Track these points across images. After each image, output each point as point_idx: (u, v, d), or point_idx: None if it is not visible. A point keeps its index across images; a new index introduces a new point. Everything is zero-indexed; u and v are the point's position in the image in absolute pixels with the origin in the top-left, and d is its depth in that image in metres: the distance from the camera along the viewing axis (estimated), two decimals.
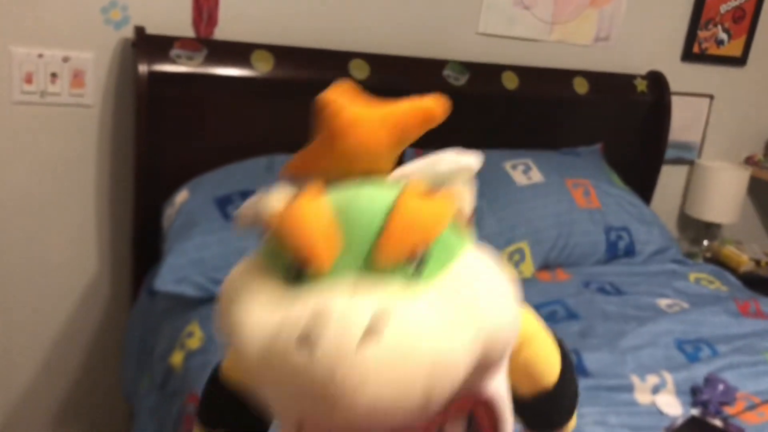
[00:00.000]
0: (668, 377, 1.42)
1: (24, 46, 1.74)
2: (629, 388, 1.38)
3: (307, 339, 0.57)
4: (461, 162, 0.74)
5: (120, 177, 1.92)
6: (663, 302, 1.79)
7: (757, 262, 2.63)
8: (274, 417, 0.76)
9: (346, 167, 0.70)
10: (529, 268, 1.88)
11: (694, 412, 1.34)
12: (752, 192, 2.81)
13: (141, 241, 1.85)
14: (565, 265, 1.95)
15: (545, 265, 1.93)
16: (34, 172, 1.84)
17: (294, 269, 0.64)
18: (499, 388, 0.72)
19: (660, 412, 1.33)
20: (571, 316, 1.67)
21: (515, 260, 1.87)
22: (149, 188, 1.82)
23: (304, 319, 0.59)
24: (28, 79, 1.77)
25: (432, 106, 0.70)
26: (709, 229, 2.70)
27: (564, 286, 1.83)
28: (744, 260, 2.59)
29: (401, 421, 0.59)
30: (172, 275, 1.46)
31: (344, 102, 0.70)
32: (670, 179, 2.65)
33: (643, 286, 1.87)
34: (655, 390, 1.39)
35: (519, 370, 0.77)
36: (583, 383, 1.34)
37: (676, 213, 2.76)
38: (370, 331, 0.56)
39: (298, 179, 0.73)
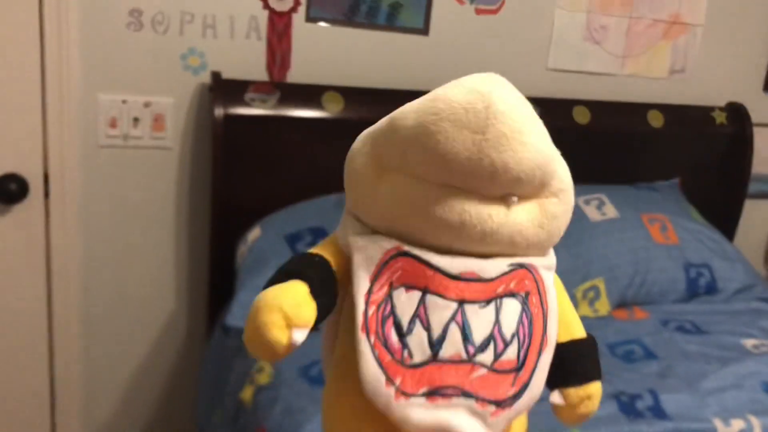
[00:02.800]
0: (755, 422, 1.35)
1: (109, 93, 1.84)
2: None
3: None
4: None
5: (197, 216, 1.98)
6: (749, 342, 1.70)
7: None
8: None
9: None
10: (604, 305, 1.83)
11: None
12: None
13: (216, 279, 1.90)
14: (642, 303, 1.89)
15: (622, 303, 1.87)
16: (117, 212, 1.92)
17: None
18: (549, 287, 0.77)
19: None
20: (649, 355, 1.61)
21: (590, 297, 1.82)
22: (225, 226, 1.88)
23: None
24: (113, 124, 1.87)
25: None
26: None
27: (641, 324, 1.77)
28: None
29: (527, 149, 0.69)
30: (243, 311, 1.49)
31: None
32: (754, 214, 2.54)
33: (727, 325, 1.79)
34: None
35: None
36: (661, 426, 1.29)
37: (762, 250, 2.64)
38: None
39: None
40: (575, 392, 0.79)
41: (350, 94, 1.93)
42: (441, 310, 0.71)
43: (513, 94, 0.71)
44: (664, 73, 2.31)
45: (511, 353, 0.72)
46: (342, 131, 1.92)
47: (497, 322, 0.72)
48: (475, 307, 0.72)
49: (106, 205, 1.91)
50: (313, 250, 0.79)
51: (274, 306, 0.70)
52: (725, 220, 2.37)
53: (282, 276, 0.75)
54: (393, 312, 0.72)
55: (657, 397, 1.39)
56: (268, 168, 1.91)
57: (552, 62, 2.18)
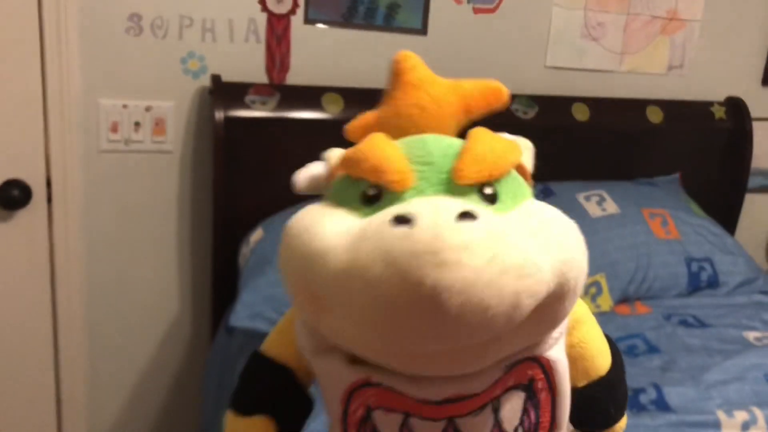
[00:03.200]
0: (759, 413, 1.35)
1: (110, 98, 1.85)
2: (715, 425, 1.32)
3: (403, 219, 0.56)
4: (517, 138, 0.77)
5: (199, 219, 1.99)
6: (751, 335, 1.71)
7: None
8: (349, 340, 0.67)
9: (413, 123, 0.71)
10: (606, 301, 1.84)
11: None
12: None
13: (220, 281, 1.91)
14: (644, 298, 1.89)
15: (624, 299, 1.88)
16: (119, 216, 1.93)
17: (372, 193, 0.63)
18: (560, 353, 0.70)
19: None
20: (652, 350, 1.61)
21: (592, 294, 1.82)
22: (227, 229, 1.88)
23: (394, 211, 0.58)
24: (114, 129, 1.88)
25: (498, 87, 0.73)
26: None
27: (644, 319, 1.77)
28: None
29: (497, 303, 0.55)
30: (247, 311, 1.50)
31: (420, 61, 0.75)
32: (754, 208, 2.54)
33: (729, 318, 1.79)
34: (745, 427, 1.32)
35: (573, 351, 0.75)
36: (664, 419, 1.30)
37: (764, 243, 2.64)
38: (466, 214, 0.56)
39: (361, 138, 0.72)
40: None
41: (350, 95, 1.94)
42: (428, 430, 0.66)
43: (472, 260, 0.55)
44: (663, 68, 2.32)
45: None
46: (342, 132, 1.95)
47: (497, 422, 0.67)
48: (468, 418, 0.66)
49: (109, 210, 1.92)
50: (270, 348, 0.76)
51: None
52: (726, 215, 2.37)
53: (246, 404, 0.75)
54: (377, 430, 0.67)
55: (660, 390, 1.39)
56: (269, 170, 1.92)
57: (550, 60, 2.18)
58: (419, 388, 0.64)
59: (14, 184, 1.80)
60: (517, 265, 0.56)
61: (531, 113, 2.08)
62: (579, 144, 2.15)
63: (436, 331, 0.55)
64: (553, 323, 0.66)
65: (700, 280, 1.94)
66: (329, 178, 0.74)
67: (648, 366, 1.53)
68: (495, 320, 0.56)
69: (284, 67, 1.97)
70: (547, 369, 0.69)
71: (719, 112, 2.32)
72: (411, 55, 0.75)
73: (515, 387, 0.67)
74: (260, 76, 1.94)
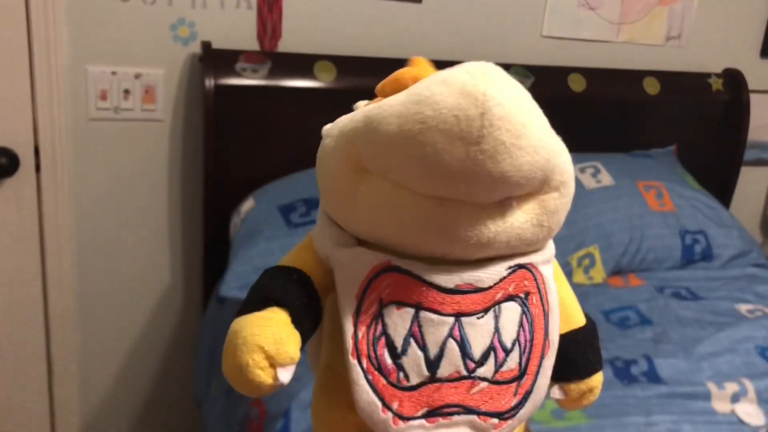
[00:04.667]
0: (749, 385, 1.35)
1: (99, 65, 1.82)
2: (706, 396, 1.32)
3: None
4: None
5: (190, 188, 1.97)
6: (744, 307, 1.71)
7: None
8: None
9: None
10: (599, 273, 1.83)
11: None
12: None
13: (211, 251, 1.89)
14: (637, 270, 1.89)
15: (617, 271, 1.87)
16: (109, 185, 1.91)
17: None
18: (549, 283, 0.74)
19: (740, 422, 1.27)
20: (644, 322, 1.61)
21: (585, 265, 1.82)
22: (218, 198, 1.86)
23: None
24: (103, 96, 1.85)
25: None
26: None
27: (636, 291, 1.77)
28: None
29: (525, 153, 0.61)
30: (237, 282, 1.49)
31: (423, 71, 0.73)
32: (750, 181, 2.53)
33: (722, 291, 1.79)
34: (735, 398, 1.32)
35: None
36: (655, 390, 1.30)
37: (759, 216, 2.64)
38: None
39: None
40: (576, 387, 0.76)
41: (342, 63, 1.91)
42: (437, 327, 0.67)
43: (510, 91, 0.62)
44: (661, 39, 2.29)
45: (512, 362, 0.69)
46: (334, 100, 1.92)
47: (496, 330, 0.68)
48: (473, 318, 0.68)
49: (98, 178, 1.90)
50: (289, 260, 0.73)
51: (254, 345, 0.64)
52: (721, 187, 2.36)
53: (260, 300, 0.69)
54: (385, 332, 0.67)
55: (652, 362, 1.39)
56: (260, 139, 1.89)
57: (547, 29, 2.15)
58: (433, 272, 0.67)
59: (1, 152, 1.77)
60: (533, 129, 0.62)
61: (527, 83, 2.05)
62: (575, 115, 2.13)
63: (477, 150, 0.60)
64: (551, 218, 0.69)
65: (694, 253, 1.93)
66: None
67: (640, 338, 1.52)
68: (525, 160, 0.62)
69: (276, 34, 1.93)
70: (540, 283, 0.71)
71: (717, 84, 2.29)
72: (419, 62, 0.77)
73: (513, 298, 0.70)
74: (251, 43, 1.91)
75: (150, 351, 2.08)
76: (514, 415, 0.69)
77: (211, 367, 1.75)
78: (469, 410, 0.67)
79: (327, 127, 0.74)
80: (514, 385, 0.69)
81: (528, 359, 0.70)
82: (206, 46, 1.82)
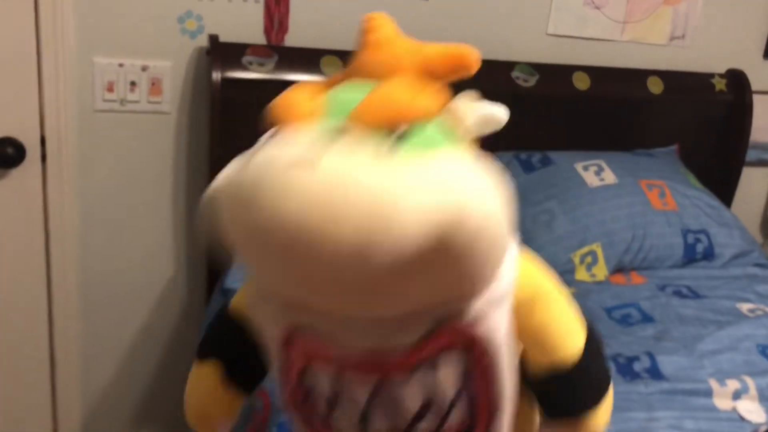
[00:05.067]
0: (750, 382, 1.37)
1: (106, 57, 1.83)
2: (707, 393, 1.33)
3: (249, 160, 0.58)
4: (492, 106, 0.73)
5: (194, 180, 1.98)
6: (745, 306, 1.72)
7: None
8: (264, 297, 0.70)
9: (370, 81, 0.69)
10: (602, 270, 1.84)
11: None
12: None
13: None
14: (639, 268, 1.90)
15: (619, 268, 1.88)
16: (114, 177, 1.92)
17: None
18: (493, 332, 0.64)
19: (741, 419, 1.28)
20: (646, 319, 1.62)
21: (588, 263, 1.83)
22: None
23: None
24: (110, 88, 1.85)
25: (464, 52, 0.69)
26: None
27: (638, 289, 1.78)
28: None
29: (336, 251, 0.52)
30: (242, 274, 1.49)
31: (385, 23, 0.74)
32: (751, 182, 2.54)
33: (723, 290, 1.80)
34: (736, 396, 1.33)
35: (531, 334, 0.69)
36: (657, 387, 1.31)
37: (759, 217, 2.65)
38: (307, 160, 0.54)
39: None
40: (563, 425, 0.73)
41: (348, 58, 1.91)
42: (361, 387, 0.64)
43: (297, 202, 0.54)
44: (665, 39, 2.30)
45: (457, 416, 0.65)
46: None
47: (432, 386, 0.64)
48: (401, 377, 0.64)
49: (104, 169, 1.91)
50: (236, 300, 0.78)
51: (190, 403, 0.78)
52: (722, 188, 2.37)
53: (203, 351, 0.79)
54: (314, 388, 0.67)
55: (654, 358, 1.40)
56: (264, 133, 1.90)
57: (552, 28, 2.16)
58: (345, 335, 0.63)
59: (8, 142, 1.78)
60: (359, 215, 0.52)
61: (532, 81, 2.06)
62: (579, 113, 2.14)
63: (281, 267, 0.56)
64: (460, 285, 0.59)
65: (696, 252, 1.94)
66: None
67: (642, 335, 1.53)
68: (335, 265, 0.54)
69: (283, 28, 1.94)
70: (475, 347, 0.64)
71: (720, 84, 2.30)
72: (380, 15, 0.75)
73: (452, 350, 0.63)
74: (258, 37, 1.92)
75: (153, 342, 2.09)
76: None
77: None
78: None
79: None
80: None
81: (476, 412, 0.65)
82: (214, 39, 1.82)
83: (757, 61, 2.42)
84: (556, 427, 0.74)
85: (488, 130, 0.74)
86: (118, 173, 1.92)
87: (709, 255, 1.95)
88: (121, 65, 1.84)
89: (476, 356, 0.64)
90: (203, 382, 0.76)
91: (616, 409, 1.22)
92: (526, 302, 0.68)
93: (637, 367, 1.38)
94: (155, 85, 1.88)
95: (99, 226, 1.94)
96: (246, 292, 0.76)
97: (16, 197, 1.84)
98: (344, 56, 1.91)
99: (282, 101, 0.66)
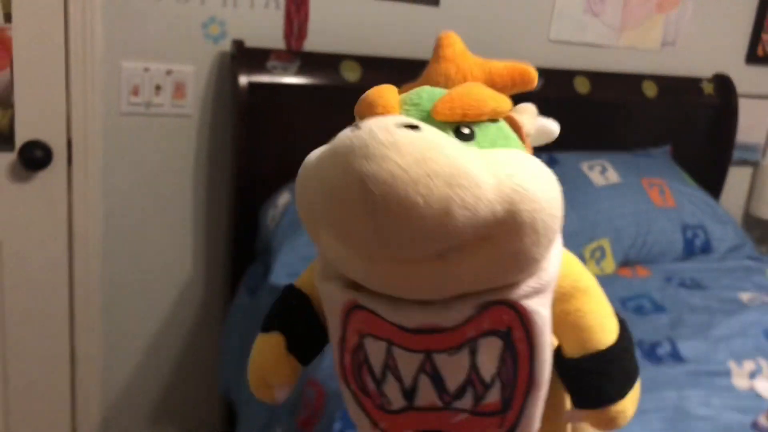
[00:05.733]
0: (764, 363, 1.48)
1: (132, 61, 1.87)
2: (727, 374, 1.44)
3: (357, 126, 0.60)
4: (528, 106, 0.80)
5: (215, 182, 2.03)
6: (744, 296, 1.84)
7: None
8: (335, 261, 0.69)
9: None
10: (610, 264, 1.95)
11: None
12: None
13: (240, 242, 1.95)
14: (644, 262, 2.01)
15: (625, 262, 1.99)
16: (138, 178, 1.96)
17: (359, 125, 0.66)
18: (535, 316, 0.67)
19: (758, 396, 1.39)
20: (658, 309, 1.72)
21: (596, 257, 1.93)
22: (246, 192, 1.92)
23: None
24: (135, 92, 1.89)
25: (528, 69, 0.76)
26: None
27: (647, 281, 1.89)
28: None
29: (426, 211, 0.56)
30: (285, 270, 1.56)
31: (457, 40, 0.78)
32: (734, 180, 2.69)
33: (723, 281, 1.92)
34: (753, 375, 1.44)
35: (567, 318, 0.71)
36: (682, 368, 1.41)
37: (741, 213, 2.80)
38: (410, 126, 0.58)
39: None
40: (591, 414, 0.74)
41: (367, 63, 1.99)
42: (408, 361, 0.68)
43: (401, 157, 0.57)
44: (657, 45, 2.42)
45: (493, 396, 0.68)
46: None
47: (473, 366, 0.67)
48: (445, 355, 0.67)
49: (127, 171, 1.94)
50: (301, 279, 0.81)
51: (252, 369, 0.79)
52: (710, 186, 2.50)
53: (265, 325, 0.81)
54: (367, 360, 0.71)
55: (674, 344, 1.51)
56: (287, 135, 1.96)
57: (554, 34, 2.27)
58: (395, 313, 0.66)
59: (36, 145, 1.80)
60: (447, 173, 0.56)
61: (537, 85, 2.15)
62: (581, 116, 2.25)
63: (373, 224, 0.57)
64: (515, 261, 0.63)
65: (695, 246, 2.07)
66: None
67: (657, 323, 1.64)
68: (424, 223, 0.57)
69: (302, 34, 2.00)
70: (524, 319, 0.66)
71: (708, 88, 2.44)
72: (452, 34, 0.79)
73: (492, 333, 0.66)
74: (278, 42, 1.97)
75: (172, 340, 2.13)
76: None
77: (242, 356, 1.81)
78: None
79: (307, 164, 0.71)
80: (497, 417, 0.69)
81: (512, 394, 0.68)
82: (239, 44, 1.88)
83: (740, 66, 2.57)
84: (586, 416, 0.75)
85: (542, 141, 0.81)
86: (141, 175, 1.96)
87: (706, 249, 2.08)
88: (146, 69, 1.88)
89: (517, 340, 0.67)
90: (266, 353, 0.78)
91: (649, 389, 1.32)
92: (566, 292, 0.71)
93: (660, 352, 1.49)
94: (179, 89, 1.93)
95: (122, 225, 1.98)
96: (311, 272, 0.80)
97: (42, 198, 1.86)
98: (363, 61, 1.99)
99: (367, 97, 0.69)
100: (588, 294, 0.73)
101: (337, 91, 1.96)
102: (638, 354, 1.44)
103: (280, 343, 0.77)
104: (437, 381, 0.67)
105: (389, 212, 0.56)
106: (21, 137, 1.81)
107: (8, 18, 1.73)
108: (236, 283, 1.97)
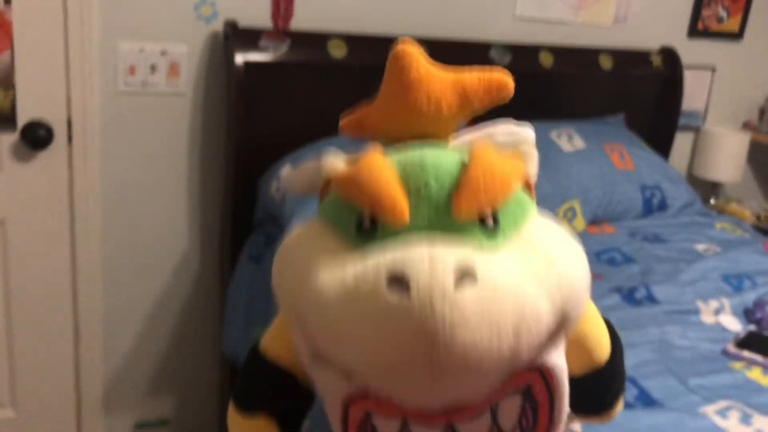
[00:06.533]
0: (725, 301, 1.69)
1: (128, 42, 1.93)
2: (696, 312, 1.65)
3: (399, 280, 0.55)
4: (519, 133, 0.76)
5: (209, 158, 2.11)
6: (700, 247, 2.06)
7: (758, 217, 2.93)
8: (341, 378, 0.66)
9: (408, 126, 0.69)
10: (580, 223, 2.14)
11: (751, 328, 1.60)
12: (750, 154, 3.10)
13: (238, 213, 2.05)
14: (609, 220, 2.21)
15: (593, 221, 2.18)
16: (135, 155, 2.03)
17: (366, 223, 0.62)
18: (558, 359, 0.69)
19: (724, 329, 1.60)
20: (629, 260, 1.92)
21: (568, 217, 2.12)
22: (243, 166, 2.02)
23: (390, 264, 0.56)
24: (132, 72, 1.96)
25: (503, 79, 0.71)
26: (714, 189, 2.99)
27: (614, 237, 2.09)
28: (747, 215, 2.88)
29: (494, 365, 0.56)
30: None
31: (419, 57, 0.70)
32: (678, 144, 2.92)
33: (680, 234, 2.14)
34: (717, 312, 1.65)
35: (573, 343, 0.74)
36: (658, 309, 1.61)
37: (684, 175, 3.04)
38: (464, 274, 0.55)
39: (356, 137, 0.75)
40: (596, 418, 0.83)
41: (353, 41, 2.10)
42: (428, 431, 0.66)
43: (467, 314, 0.55)
44: (610, 21, 2.61)
45: None
46: (347, 75, 2.11)
47: (495, 424, 0.67)
48: (466, 423, 0.66)
49: (125, 149, 2.01)
50: (271, 346, 0.76)
51: None
52: (659, 151, 2.72)
53: (248, 405, 0.76)
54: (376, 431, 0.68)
55: (649, 288, 1.70)
56: (279, 112, 2.06)
57: (519, 10, 2.42)
58: (416, 398, 0.62)
59: (38, 124, 1.85)
60: (515, 324, 0.56)
61: (506, 60, 2.32)
62: (547, 88, 2.42)
63: (433, 384, 0.56)
64: (552, 347, 0.66)
65: (653, 204, 2.28)
66: (323, 190, 0.73)
67: (630, 272, 1.84)
68: (493, 371, 0.57)
69: (288, 14, 2.10)
70: (546, 376, 0.67)
71: (656, 61, 2.65)
72: (410, 50, 0.70)
73: (513, 392, 0.66)
74: (265, 22, 2.06)
75: (170, 311, 2.21)
76: None
77: (249, 320, 1.92)
78: None
79: (285, 244, 0.68)
80: None
81: None
82: (233, 25, 1.96)
83: (683, 40, 2.79)
84: (586, 419, 0.83)
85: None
86: (138, 151, 2.03)
87: (662, 207, 2.29)
88: (142, 50, 1.95)
89: (537, 392, 0.67)
90: None
91: (636, 327, 1.51)
92: None
93: (637, 295, 1.68)
94: (173, 69, 2.00)
95: (120, 201, 2.05)
96: (280, 337, 0.77)
97: (44, 177, 1.92)
98: (348, 39, 2.09)
99: (367, 187, 0.62)
100: (588, 314, 0.76)
101: (326, 68, 2.07)
102: (618, 298, 1.64)
103: (269, 427, 0.75)
104: None
105: (459, 374, 0.55)
106: (23, 117, 1.85)
107: (8, 1, 1.77)
108: (234, 253, 2.07)
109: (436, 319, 0.53)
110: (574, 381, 0.73)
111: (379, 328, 0.55)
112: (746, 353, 1.48)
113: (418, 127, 0.69)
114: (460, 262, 0.56)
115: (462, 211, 0.60)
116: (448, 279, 0.54)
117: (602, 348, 0.77)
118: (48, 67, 1.85)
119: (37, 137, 1.85)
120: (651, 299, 1.67)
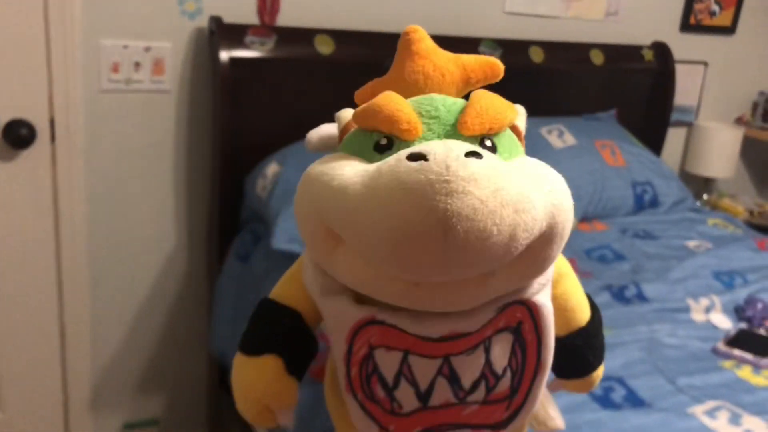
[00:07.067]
0: (716, 299, 1.67)
1: (111, 39, 1.90)
2: (687, 310, 1.63)
3: (417, 157, 0.61)
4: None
5: (194, 155, 2.08)
6: (691, 243, 2.04)
7: (751, 213, 2.91)
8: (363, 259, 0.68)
9: (417, 90, 0.76)
10: None
11: (742, 325, 1.58)
12: (743, 149, 3.08)
13: (224, 211, 2.03)
14: (600, 216, 2.19)
15: (584, 218, 2.16)
16: (120, 154, 2.00)
17: (384, 143, 0.69)
18: (546, 301, 0.75)
19: (714, 327, 1.58)
20: (619, 257, 1.90)
21: None
22: (229, 164, 1.99)
23: (409, 150, 0.63)
24: (115, 69, 1.93)
25: (496, 62, 0.80)
26: (707, 184, 2.98)
27: (605, 234, 2.06)
28: (740, 211, 2.87)
29: (497, 235, 0.60)
30: (285, 236, 1.65)
31: (427, 35, 0.80)
32: (671, 139, 2.91)
33: (671, 231, 2.12)
34: (707, 310, 1.63)
35: (556, 302, 0.79)
36: (647, 307, 1.59)
37: (677, 170, 3.03)
38: (472, 153, 0.62)
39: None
40: (575, 382, 0.86)
41: (340, 37, 2.08)
42: (426, 367, 0.71)
43: (477, 189, 0.60)
44: (601, 15, 2.59)
45: (503, 385, 0.73)
46: (334, 70, 2.08)
47: (487, 361, 0.71)
48: (462, 356, 0.70)
49: (109, 147, 1.98)
50: (281, 292, 0.80)
51: (251, 398, 0.77)
52: (651, 146, 2.70)
53: (255, 348, 0.78)
54: (376, 371, 0.72)
55: (639, 286, 1.68)
56: (266, 108, 2.03)
57: (509, 6, 2.40)
58: (419, 326, 0.69)
59: (21, 123, 1.83)
60: (516, 200, 0.61)
61: (496, 56, 2.29)
62: (537, 83, 2.40)
63: (444, 257, 0.60)
64: (542, 266, 0.69)
65: (644, 201, 2.26)
66: (341, 136, 0.79)
67: (621, 270, 1.82)
68: (494, 250, 0.61)
69: (275, 8, 2.07)
70: (534, 313, 0.72)
71: (648, 55, 2.63)
72: (419, 28, 0.80)
73: (504, 329, 0.72)
74: (251, 18, 2.04)
75: (158, 310, 2.19)
76: (506, 426, 0.76)
77: (236, 319, 1.90)
78: (462, 426, 0.74)
79: (309, 169, 0.73)
80: (505, 402, 0.74)
81: (520, 381, 0.74)
82: (218, 20, 1.93)
83: (675, 34, 2.77)
84: (570, 385, 0.86)
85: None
86: (123, 150, 2.00)
87: (654, 203, 2.27)
88: (125, 47, 1.92)
89: (526, 332, 0.73)
90: (266, 378, 0.76)
91: (625, 325, 1.49)
92: (554, 279, 0.81)
93: (627, 294, 1.66)
94: (158, 65, 1.97)
95: (105, 200, 2.02)
96: (292, 285, 0.81)
97: (27, 176, 1.89)
98: (335, 35, 2.07)
99: (382, 111, 0.70)
100: (567, 276, 0.83)
101: (312, 64, 2.04)
102: (608, 296, 1.62)
103: (279, 367, 0.77)
104: (453, 380, 0.71)
105: (467, 244, 0.59)
106: (4, 116, 1.82)
107: None
108: (222, 252, 2.05)
109: (450, 173, 0.58)
110: (559, 341, 0.78)
111: (398, 190, 0.60)
112: (736, 352, 1.46)
113: (425, 89, 0.77)
114: (470, 149, 0.63)
115: (468, 126, 0.67)
116: (462, 153, 0.61)
117: (583, 310, 0.83)
118: (30, 64, 1.82)
119: (19, 136, 1.82)
120: (641, 297, 1.65)
